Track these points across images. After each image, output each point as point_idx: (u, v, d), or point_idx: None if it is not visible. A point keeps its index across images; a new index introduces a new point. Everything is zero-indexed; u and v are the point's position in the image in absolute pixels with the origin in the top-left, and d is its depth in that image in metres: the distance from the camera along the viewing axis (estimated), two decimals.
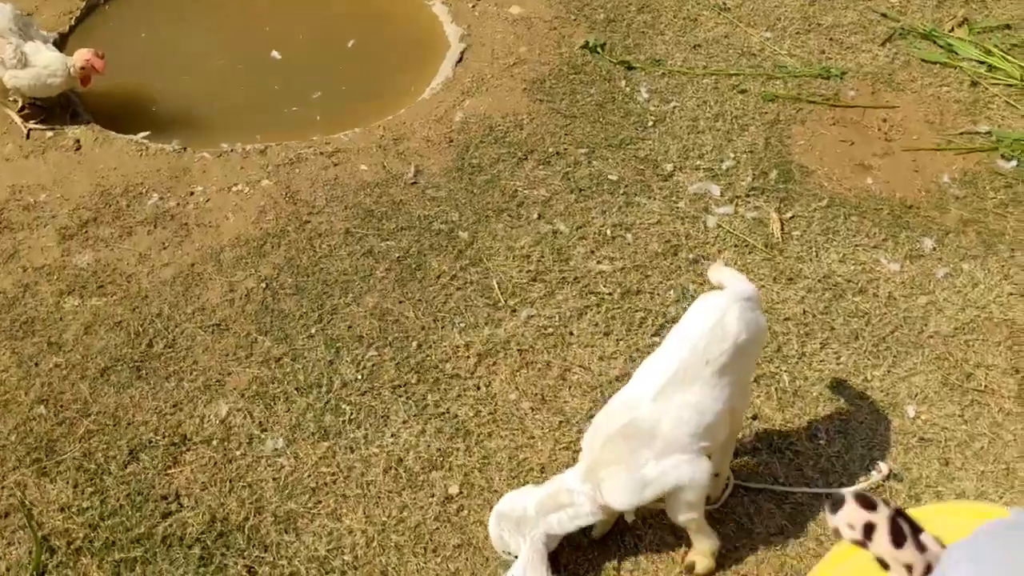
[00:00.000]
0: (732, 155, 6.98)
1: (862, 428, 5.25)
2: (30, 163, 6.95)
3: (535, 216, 6.52)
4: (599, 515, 4.32)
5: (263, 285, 6.06)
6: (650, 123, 7.28)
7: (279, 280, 6.07)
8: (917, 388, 5.42)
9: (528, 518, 4.30)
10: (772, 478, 5.00)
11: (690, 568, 4.58)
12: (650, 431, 4.07)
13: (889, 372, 5.50)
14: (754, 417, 5.29)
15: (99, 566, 4.67)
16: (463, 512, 4.93)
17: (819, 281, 6.05)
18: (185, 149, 7.13)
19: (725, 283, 4.38)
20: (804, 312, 5.85)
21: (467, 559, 4.74)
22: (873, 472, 5.03)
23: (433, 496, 4.97)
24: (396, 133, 7.22)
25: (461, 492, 5.01)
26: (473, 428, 5.28)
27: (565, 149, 7.02)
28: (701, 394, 4.10)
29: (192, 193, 6.72)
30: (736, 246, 6.26)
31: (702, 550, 4.54)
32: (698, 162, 6.93)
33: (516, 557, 4.33)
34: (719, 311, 4.19)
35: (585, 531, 4.56)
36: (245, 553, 4.75)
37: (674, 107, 7.46)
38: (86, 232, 6.42)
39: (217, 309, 5.92)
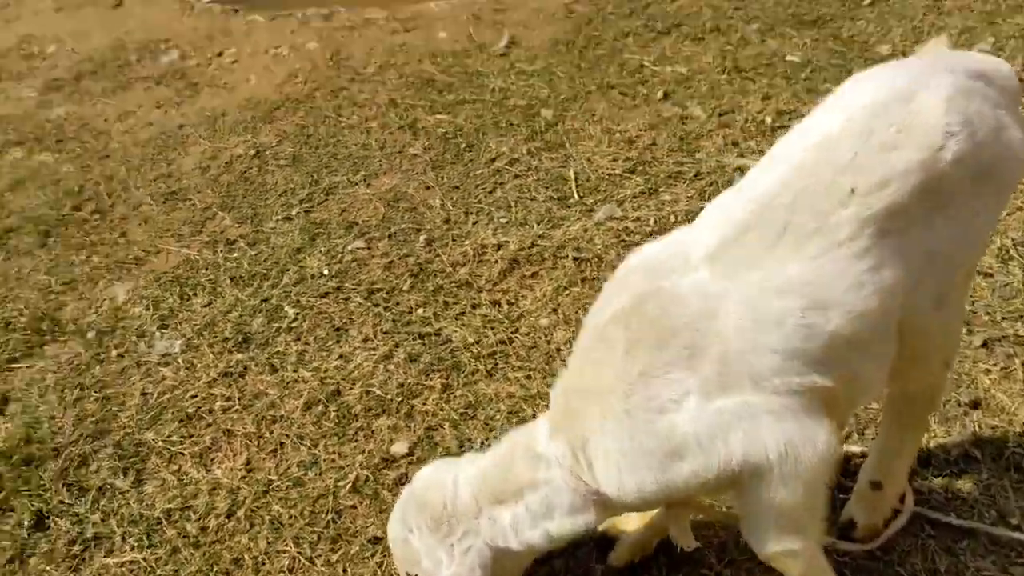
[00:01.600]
0: (992, 39, 4.42)
1: None
2: (57, 16, 5.71)
3: (659, 96, 4.33)
4: (592, 516, 2.06)
5: (253, 153, 4.30)
6: (865, 1, 4.87)
7: (276, 150, 4.29)
8: None
9: (460, 512, 2.13)
10: (997, 515, 2.47)
11: None
12: (693, 330, 1.84)
13: None
14: (974, 405, 2.78)
15: None
16: (402, 487, 2.77)
17: None
18: (237, 11, 5.55)
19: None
20: None
21: (379, 569, 2.60)
22: None
23: (365, 454, 2.88)
24: (502, 3, 5.26)
25: (411, 454, 2.88)
26: (467, 361, 3.14)
27: (729, 24, 4.81)
28: (821, 267, 1.79)
29: (220, 54, 5.15)
30: None
31: None
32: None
33: None
34: (902, 85, 1.84)
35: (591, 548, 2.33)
36: (41, 493, 2.87)
37: None
38: (76, 85, 4.97)
39: (185, 177, 4.21)
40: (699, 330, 1.84)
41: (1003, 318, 3.08)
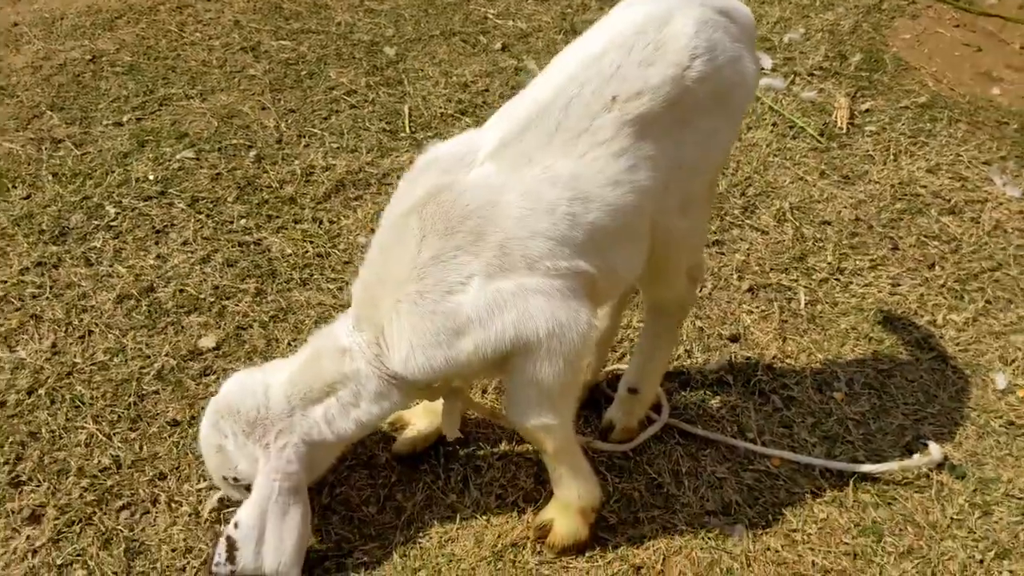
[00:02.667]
0: (803, 30, 4.85)
1: (910, 388, 3.03)
2: None
3: (497, 47, 4.54)
4: (396, 399, 2.29)
5: (88, 58, 4.25)
6: None
7: (113, 57, 4.25)
8: (1017, 351, 3.15)
9: (274, 414, 2.29)
10: (738, 429, 2.83)
11: (541, 532, 2.45)
12: (478, 218, 2.08)
13: (975, 321, 3.27)
14: (733, 339, 3.13)
15: None
16: (206, 377, 2.92)
17: (891, 188, 3.86)
18: None
19: None
20: (856, 220, 3.67)
21: (175, 448, 2.73)
22: (915, 454, 2.79)
23: (172, 345, 2.97)
24: None
25: (218, 349, 3.01)
26: (283, 270, 3.28)
27: None
28: (586, 164, 2.07)
29: None
30: (775, 126, 4.12)
31: (566, 502, 2.45)
32: None
33: (246, 487, 2.31)
34: (659, 11, 2.16)
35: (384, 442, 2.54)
36: None
37: None
38: None
39: (14, 75, 4.12)
40: (483, 218, 2.06)
41: (771, 269, 3.47)
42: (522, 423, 2.27)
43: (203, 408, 2.78)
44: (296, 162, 3.79)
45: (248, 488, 2.30)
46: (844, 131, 4.24)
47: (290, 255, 3.38)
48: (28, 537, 2.51)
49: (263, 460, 2.26)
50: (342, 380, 2.24)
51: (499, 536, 2.53)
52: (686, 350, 3.12)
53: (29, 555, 2.48)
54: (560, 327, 2.07)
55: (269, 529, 2.23)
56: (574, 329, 2.09)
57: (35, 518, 2.56)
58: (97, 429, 2.77)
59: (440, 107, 4.17)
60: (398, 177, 3.65)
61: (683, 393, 2.98)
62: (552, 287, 2.07)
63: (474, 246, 2.06)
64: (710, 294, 3.33)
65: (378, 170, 3.78)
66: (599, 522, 2.53)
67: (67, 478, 2.65)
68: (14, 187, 3.59)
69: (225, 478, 2.36)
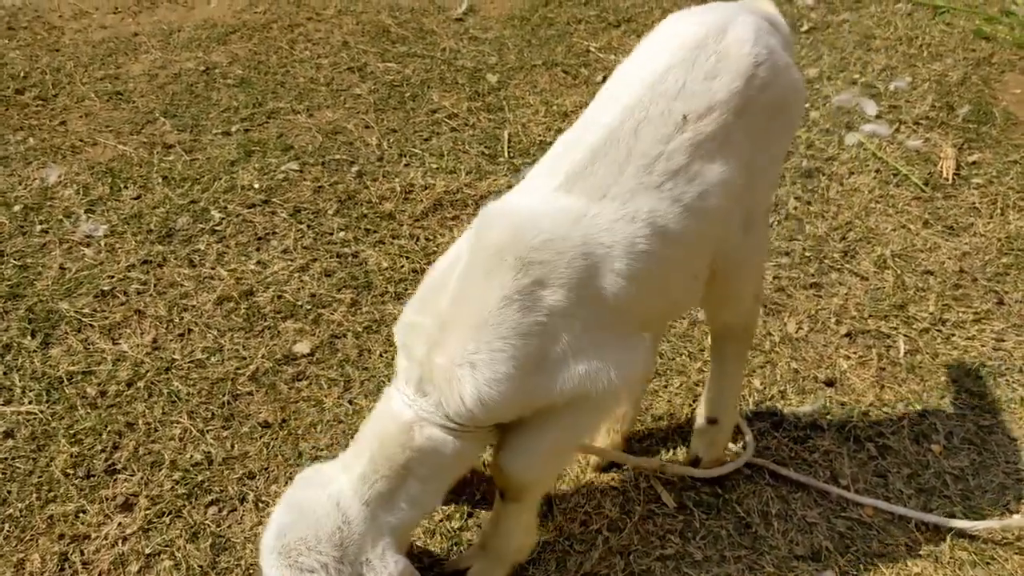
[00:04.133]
0: (909, 79, 4.77)
1: (1012, 447, 2.94)
2: None
3: (599, 79, 4.58)
4: (474, 446, 2.13)
5: (202, 69, 4.40)
6: (804, 27, 5.19)
7: (226, 70, 4.39)
8: None
9: (358, 527, 2.02)
10: (831, 475, 2.76)
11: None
12: (553, 256, 1.95)
13: None
14: (829, 383, 3.06)
15: None
16: (299, 382, 2.96)
17: (997, 241, 3.75)
18: None
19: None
20: (960, 272, 3.57)
21: (265, 449, 2.77)
22: (1016, 514, 2.68)
23: (268, 349, 3.03)
24: None
25: (312, 355, 3.04)
26: (379, 283, 3.32)
27: None
28: (662, 195, 2.00)
29: None
30: (878, 172, 4.05)
31: (500, 553, 2.36)
32: (856, 76, 4.83)
33: None
34: (713, 21, 2.12)
35: None
36: None
37: (844, 20, 5.35)
38: None
39: (132, 81, 4.28)
40: (558, 255, 1.92)
41: (870, 315, 3.39)
42: (520, 474, 2.11)
43: (294, 413, 2.83)
44: (396, 180, 3.84)
45: None
46: (949, 182, 4.15)
47: (386, 269, 3.42)
48: (120, 524, 2.56)
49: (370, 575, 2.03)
50: (417, 456, 2.04)
51: (580, 564, 2.49)
52: (780, 391, 3.05)
53: (119, 542, 2.52)
54: (621, 380, 1.98)
55: None
56: (632, 375, 2.02)
57: (127, 506, 2.61)
58: (191, 425, 2.83)
59: (539, 135, 4.20)
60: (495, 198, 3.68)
61: (775, 434, 2.92)
62: (622, 335, 2.01)
63: (546, 287, 1.93)
64: (806, 336, 3.27)
65: (476, 192, 3.81)
66: (681, 557, 2.48)
67: (160, 470, 2.69)
68: (126, 187, 3.71)
69: None
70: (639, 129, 1.98)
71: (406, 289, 3.35)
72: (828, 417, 3.00)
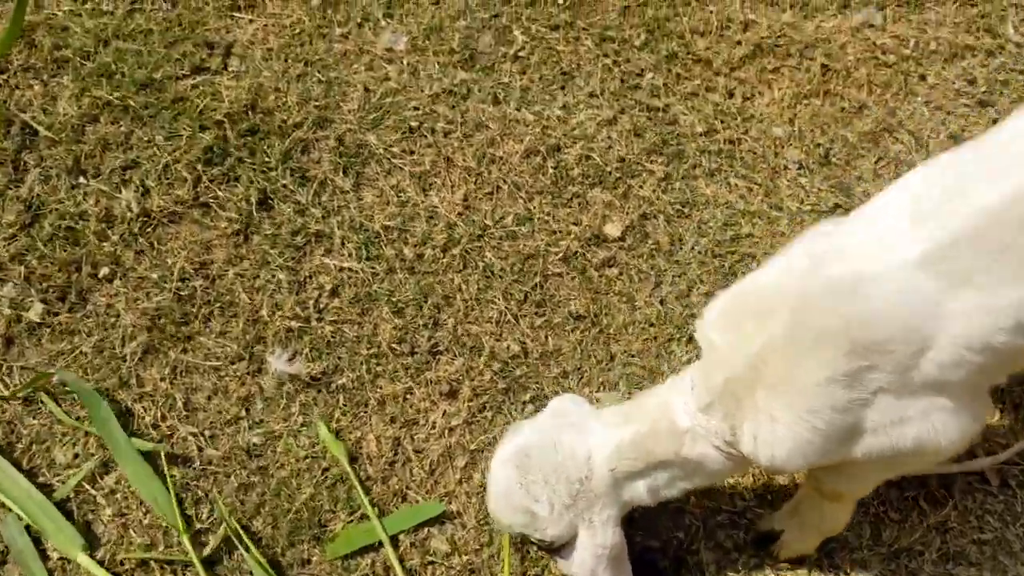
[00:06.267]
0: None
1: None
2: None
3: None
4: (733, 469, 2.16)
5: None
6: None
7: None
8: None
9: (598, 488, 2.10)
10: None
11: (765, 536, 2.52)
12: (902, 334, 1.82)
13: None
14: None
15: (77, 94, 3.03)
16: (609, 269, 2.88)
17: None
18: None
19: None
20: None
21: (577, 347, 2.76)
22: None
23: (580, 226, 2.92)
24: None
25: (623, 240, 2.93)
26: (691, 152, 3.13)
27: None
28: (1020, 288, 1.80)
29: None
30: None
31: (807, 523, 2.41)
32: None
33: (550, 545, 2.17)
34: None
35: None
36: (266, 171, 2.95)
37: None
38: None
39: None
40: (910, 332, 1.81)
41: None
42: (842, 490, 2.21)
43: (605, 308, 2.78)
44: (712, 8, 3.43)
45: (552, 547, 2.17)
46: None
47: (700, 135, 3.17)
48: (445, 413, 2.67)
49: (585, 533, 2.12)
50: (679, 461, 2.08)
51: (896, 536, 2.51)
52: None
53: (446, 432, 2.64)
54: (961, 437, 1.95)
55: None
56: (969, 435, 1.97)
57: (452, 393, 2.70)
58: (506, 307, 2.82)
59: None
60: (824, 54, 3.29)
61: None
62: (962, 403, 1.91)
63: (877, 371, 1.83)
64: None
65: (800, 36, 3.40)
66: (998, 543, 2.48)
67: (479, 357, 2.74)
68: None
69: (527, 537, 2.17)
70: None
71: (719, 166, 3.12)
72: None
